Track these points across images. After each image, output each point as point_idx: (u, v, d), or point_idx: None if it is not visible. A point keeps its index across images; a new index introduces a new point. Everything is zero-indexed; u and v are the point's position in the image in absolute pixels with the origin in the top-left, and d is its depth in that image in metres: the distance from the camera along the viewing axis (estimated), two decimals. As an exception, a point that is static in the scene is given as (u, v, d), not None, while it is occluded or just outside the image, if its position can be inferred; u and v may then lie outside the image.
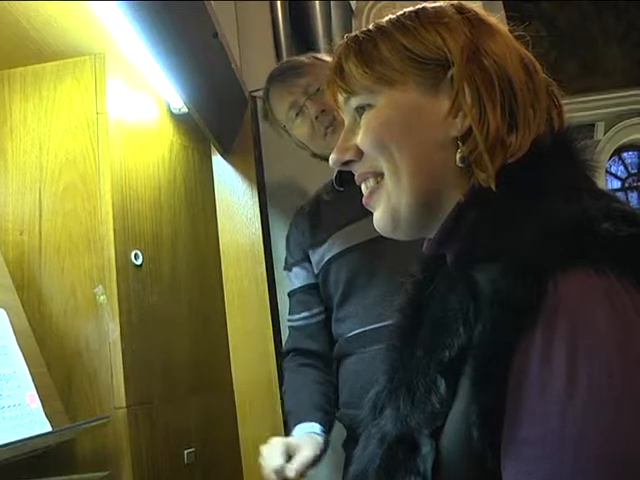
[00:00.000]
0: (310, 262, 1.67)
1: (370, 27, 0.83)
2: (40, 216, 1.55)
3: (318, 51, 3.33)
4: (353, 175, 0.85)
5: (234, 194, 1.97)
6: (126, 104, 1.65)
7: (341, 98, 0.84)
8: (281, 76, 1.67)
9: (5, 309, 1.38)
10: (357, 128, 0.82)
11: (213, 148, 1.98)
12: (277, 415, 1.85)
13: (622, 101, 7.77)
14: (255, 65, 2.57)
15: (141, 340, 1.53)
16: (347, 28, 3.53)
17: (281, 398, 1.86)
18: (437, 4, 0.83)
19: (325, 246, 1.60)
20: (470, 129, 0.74)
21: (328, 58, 1.64)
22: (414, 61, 0.77)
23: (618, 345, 0.56)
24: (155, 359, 1.58)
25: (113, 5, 1.24)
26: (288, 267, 1.73)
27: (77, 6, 1.38)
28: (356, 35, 0.83)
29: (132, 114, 1.67)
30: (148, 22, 1.31)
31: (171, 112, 1.82)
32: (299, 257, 1.69)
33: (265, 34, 2.88)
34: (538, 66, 0.81)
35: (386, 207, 0.80)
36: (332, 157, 0.85)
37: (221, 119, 1.85)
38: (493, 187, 0.71)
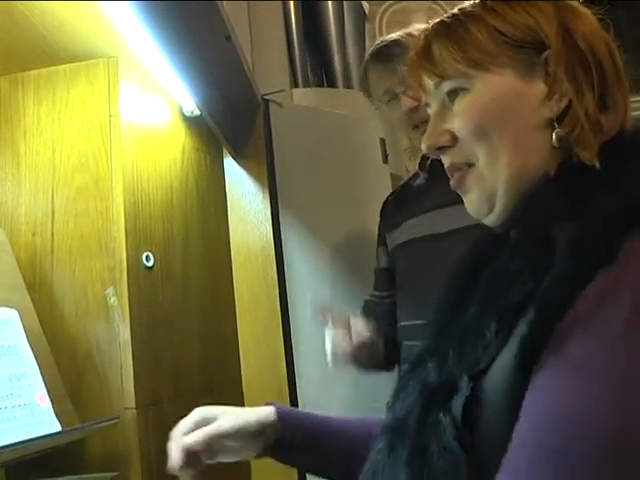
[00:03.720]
0: (386, 245, 1.69)
1: (455, 11, 0.82)
2: (52, 217, 1.56)
3: (331, 54, 3.35)
4: (438, 164, 0.84)
5: (245, 197, 1.98)
6: (139, 107, 1.66)
7: (429, 82, 0.82)
8: (381, 55, 1.62)
9: (17, 309, 1.39)
10: (447, 113, 0.81)
11: (225, 151, 1.99)
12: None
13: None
14: (268, 67, 2.58)
15: (151, 341, 1.54)
16: (360, 31, 3.55)
17: (290, 399, 1.86)
18: None
19: (397, 231, 1.62)
20: (565, 110, 0.74)
21: None
22: (508, 45, 0.76)
23: None
24: (165, 360, 1.59)
25: (126, 8, 1.25)
26: (377, 245, 1.76)
27: (90, 9, 1.39)
28: (442, 20, 0.82)
29: (145, 117, 1.68)
30: (160, 25, 1.32)
31: (183, 115, 1.83)
32: (380, 239, 1.73)
33: (278, 36, 2.89)
34: (617, 50, 0.80)
35: (481, 190, 0.79)
36: (424, 144, 0.83)
37: (233, 122, 1.86)
38: (597, 164, 0.71)
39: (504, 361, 0.65)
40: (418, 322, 1.45)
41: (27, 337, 1.37)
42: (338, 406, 1.91)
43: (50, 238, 1.55)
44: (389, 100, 1.60)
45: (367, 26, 3.63)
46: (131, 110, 1.62)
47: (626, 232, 0.62)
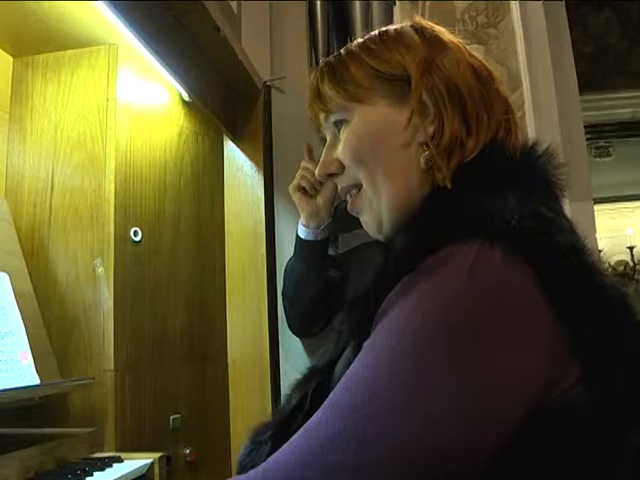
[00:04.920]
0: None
1: (341, 52, 0.94)
2: (52, 191, 1.69)
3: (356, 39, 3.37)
4: None
5: (242, 178, 2.08)
6: (136, 91, 1.77)
7: (322, 117, 0.95)
8: None
9: (11, 274, 1.52)
10: (337, 143, 0.93)
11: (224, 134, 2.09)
12: (266, 389, 1.96)
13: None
14: (288, 51, 2.63)
15: (134, 310, 1.67)
16: (388, 13, 3.55)
17: (271, 375, 1.97)
18: (399, 26, 0.94)
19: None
20: (434, 135, 0.84)
21: None
22: (380, 78, 0.88)
23: (450, 305, 0.67)
24: (147, 329, 1.72)
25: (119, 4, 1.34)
26: None
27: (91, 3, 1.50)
28: (329, 60, 0.94)
29: (141, 100, 1.80)
30: (146, 18, 1.42)
31: (183, 100, 1.94)
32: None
33: (300, 19, 2.92)
34: (494, 75, 0.91)
35: (371, 213, 0.91)
36: (317, 172, 0.96)
37: (229, 108, 1.96)
38: (449, 186, 0.81)
39: (346, 353, 0.79)
40: None
41: (19, 299, 1.51)
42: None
43: (48, 210, 1.69)
44: None
45: (395, 9, 3.63)
46: (128, 94, 1.73)
47: (443, 241, 0.70)
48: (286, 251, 2.03)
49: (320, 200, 1.71)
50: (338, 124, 0.92)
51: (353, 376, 0.71)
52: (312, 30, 3.14)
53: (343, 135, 0.91)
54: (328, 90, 0.91)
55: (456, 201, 0.78)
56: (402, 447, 0.64)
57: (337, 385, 0.73)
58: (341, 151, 0.90)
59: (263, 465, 0.72)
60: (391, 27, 0.94)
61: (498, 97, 0.89)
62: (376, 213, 0.89)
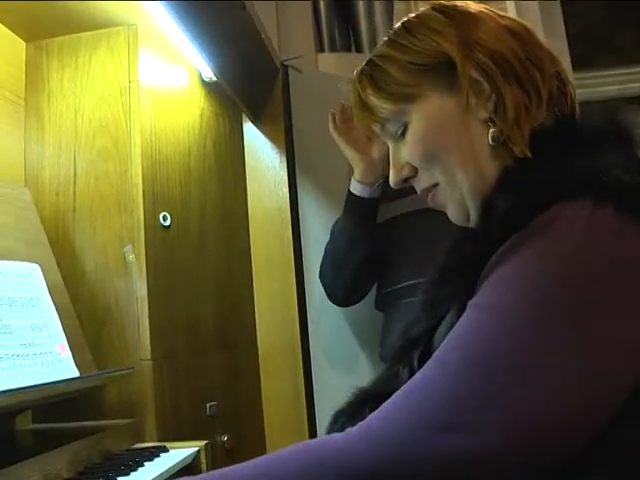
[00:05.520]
0: None
1: (372, 58, 0.91)
2: (75, 178, 1.64)
3: (358, 18, 3.33)
4: None
5: (263, 160, 2.04)
6: (157, 73, 1.72)
7: (376, 128, 0.92)
8: None
9: (40, 265, 1.47)
10: (401, 148, 0.90)
11: (244, 115, 2.04)
12: (299, 374, 1.93)
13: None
14: (293, 31, 2.59)
15: (167, 297, 1.62)
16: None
17: (303, 359, 1.94)
18: (420, 13, 0.90)
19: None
20: (496, 109, 0.82)
21: None
22: (422, 72, 0.85)
23: (569, 259, 0.66)
24: (180, 316, 1.67)
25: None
26: None
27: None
28: (363, 69, 0.91)
29: (163, 82, 1.74)
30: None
31: (203, 80, 1.89)
32: None
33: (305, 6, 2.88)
34: (530, 29, 0.88)
35: (454, 204, 0.89)
36: (391, 181, 0.93)
37: (251, 88, 1.91)
38: (529, 155, 0.79)
39: (449, 315, 0.76)
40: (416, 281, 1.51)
41: (49, 291, 1.46)
42: (348, 358, 1.98)
43: (72, 198, 1.63)
44: None
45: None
46: (150, 76, 1.68)
47: (552, 201, 0.69)
48: (311, 233, 2.00)
49: (376, 154, 1.64)
50: (398, 130, 0.89)
51: (465, 334, 0.69)
52: (315, 14, 3.10)
53: (407, 138, 0.88)
54: (374, 100, 0.89)
55: (548, 165, 0.75)
56: (521, 408, 0.63)
57: (443, 344, 0.71)
58: (410, 155, 0.88)
59: (367, 423, 0.70)
60: (411, 16, 0.91)
61: (542, 50, 0.86)
62: (460, 203, 0.87)
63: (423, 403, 0.66)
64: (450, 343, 0.70)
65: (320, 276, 1.84)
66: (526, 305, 0.65)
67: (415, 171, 0.90)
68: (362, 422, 0.70)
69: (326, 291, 1.86)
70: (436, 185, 0.88)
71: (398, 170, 0.91)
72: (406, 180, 0.92)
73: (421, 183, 0.90)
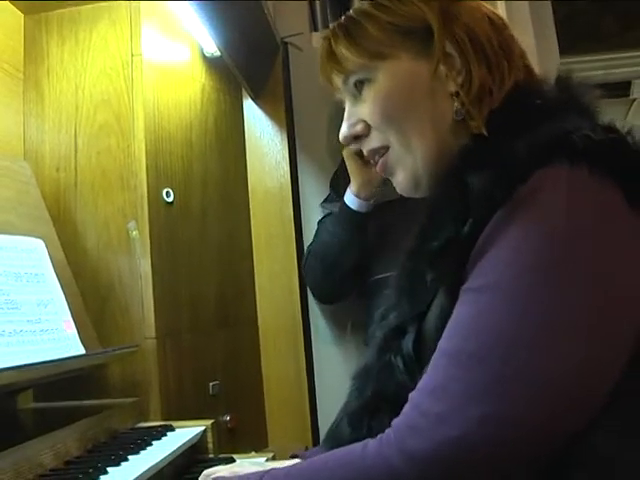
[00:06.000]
0: None
1: (351, 13, 0.91)
2: (75, 153, 1.61)
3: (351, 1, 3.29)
4: None
5: (263, 137, 2.02)
6: (160, 47, 1.69)
7: (338, 80, 0.92)
8: None
9: (43, 240, 1.44)
10: (359, 104, 0.90)
11: (244, 92, 2.01)
12: (300, 353, 1.92)
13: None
14: (288, 10, 2.55)
15: (171, 274, 1.60)
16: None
17: (304, 338, 1.93)
18: None
19: None
20: (463, 85, 0.83)
21: None
22: (400, 33, 0.86)
23: (558, 219, 0.68)
24: (183, 293, 1.65)
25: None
26: None
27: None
28: (340, 22, 0.91)
29: (166, 57, 1.71)
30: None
31: (204, 56, 1.86)
32: None
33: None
34: (506, 23, 0.91)
35: (405, 170, 0.88)
36: (341, 136, 0.92)
37: (253, 64, 1.88)
38: (485, 133, 0.80)
39: (439, 299, 0.76)
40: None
41: (53, 267, 1.43)
42: (348, 337, 1.98)
43: (74, 173, 1.60)
44: None
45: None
46: (152, 50, 1.65)
47: (527, 170, 0.70)
48: (311, 211, 1.98)
49: (374, 173, 1.65)
50: (359, 84, 0.89)
51: (471, 321, 0.69)
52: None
53: (367, 95, 0.88)
54: (345, 51, 0.88)
55: (514, 139, 0.75)
56: (545, 381, 0.64)
57: (446, 335, 0.71)
58: (369, 112, 0.88)
59: (394, 433, 0.70)
60: None
61: (514, 43, 0.89)
62: (411, 170, 0.87)
63: (451, 401, 0.67)
64: (457, 332, 0.70)
65: (305, 275, 1.89)
66: (527, 280, 0.66)
67: (368, 130, 0.89)
68: (389, 431, 0.71)
69: (311, 291, 1.92)
70: (386, 148, 0.88)
71: (352, 126, 0.90)
72: (356, 138, 0.91)
73: (372, 143, 0.90)
